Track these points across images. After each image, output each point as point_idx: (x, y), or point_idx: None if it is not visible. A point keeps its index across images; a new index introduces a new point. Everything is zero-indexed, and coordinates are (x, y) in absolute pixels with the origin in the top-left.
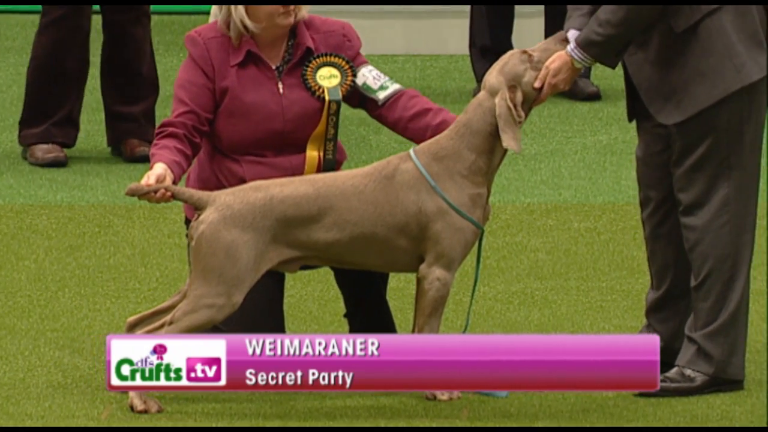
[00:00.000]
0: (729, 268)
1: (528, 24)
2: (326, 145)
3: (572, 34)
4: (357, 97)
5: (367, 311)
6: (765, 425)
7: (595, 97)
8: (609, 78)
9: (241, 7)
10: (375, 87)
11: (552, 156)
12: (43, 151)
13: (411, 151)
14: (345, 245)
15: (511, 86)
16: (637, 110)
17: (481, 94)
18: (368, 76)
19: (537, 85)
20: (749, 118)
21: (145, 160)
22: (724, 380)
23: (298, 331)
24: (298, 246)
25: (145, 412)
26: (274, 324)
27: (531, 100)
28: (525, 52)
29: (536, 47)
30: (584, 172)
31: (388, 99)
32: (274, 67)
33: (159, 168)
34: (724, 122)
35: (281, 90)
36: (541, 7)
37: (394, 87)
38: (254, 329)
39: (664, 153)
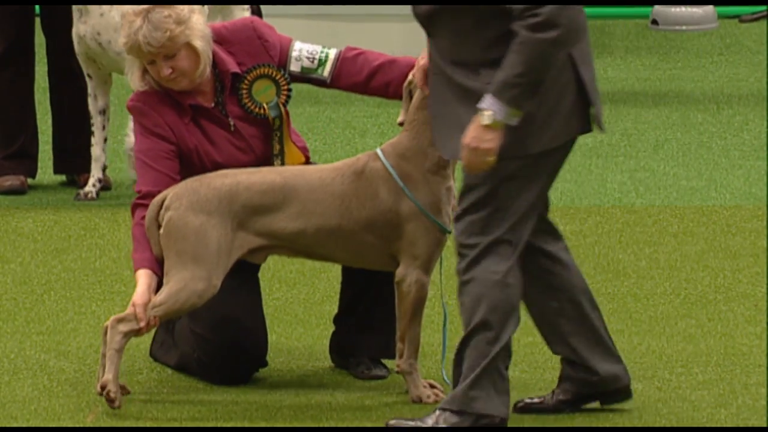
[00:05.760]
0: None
1: None
2: (273, 162)
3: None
4: (301, 79)
5: (367, 304)
6: (765, 425)
7: None
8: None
9: (136, 76)
10: (314, 66)
11: None
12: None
13: (378, 151)
14: (311, 236)
15: None
16: None
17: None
18: (302, 57)
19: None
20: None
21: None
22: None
23: (283, 334)
24: (264, 234)
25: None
26: (257, 329)
27: None
28: None
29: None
30: (569, 175)
31: (332, 73)
32: (213, 104)
33: (143, 294)
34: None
35: (232, 125)
36: None
37: (331, 57)
38: (238, 333)
39: None
